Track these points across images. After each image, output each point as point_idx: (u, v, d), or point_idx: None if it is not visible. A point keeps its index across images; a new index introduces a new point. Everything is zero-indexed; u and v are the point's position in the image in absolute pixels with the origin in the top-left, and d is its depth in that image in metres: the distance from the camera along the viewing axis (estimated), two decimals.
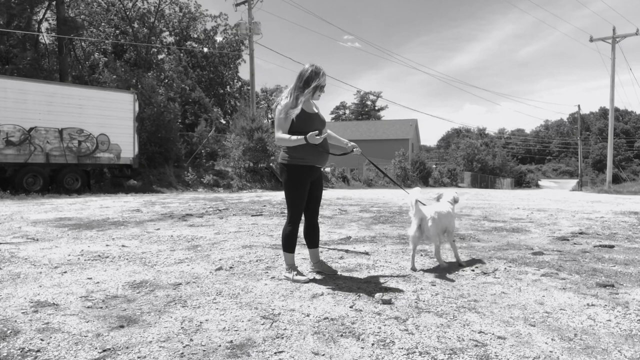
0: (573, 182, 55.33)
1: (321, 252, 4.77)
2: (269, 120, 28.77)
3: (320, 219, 7.66)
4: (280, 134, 3.41)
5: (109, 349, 2.21)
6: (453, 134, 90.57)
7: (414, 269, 3.92)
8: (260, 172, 22.53)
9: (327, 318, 2.69)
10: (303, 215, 3.65)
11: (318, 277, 3.68)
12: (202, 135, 24.18)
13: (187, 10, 35.22)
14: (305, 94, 3.42)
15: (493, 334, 2.46)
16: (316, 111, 3.58)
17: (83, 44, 31.53)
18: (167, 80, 29.95)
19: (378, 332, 2.47)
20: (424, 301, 3.03)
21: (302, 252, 4.73)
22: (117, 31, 33.25)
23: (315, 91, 3.46)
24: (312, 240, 3.77)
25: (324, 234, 6.03)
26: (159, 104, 20.52)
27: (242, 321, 2.62)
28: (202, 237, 5.65)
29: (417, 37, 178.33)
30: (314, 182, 3.60)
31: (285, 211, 4.01)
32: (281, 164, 3.53)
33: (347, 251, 4.83)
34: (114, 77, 22.45)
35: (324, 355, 2.18)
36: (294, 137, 3.36)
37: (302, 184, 3.49)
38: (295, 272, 3.58)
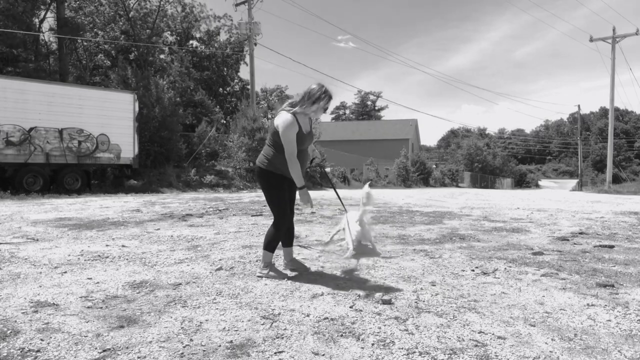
0: (573, 182, 55.27)
1: (321, 252, 4.78)
2: (268, 120, 28.78)
3: (320, 219, 7.71)
4: (295, 155, 3.40)
5: (109, 349, 2.21)
6: (453, 134, 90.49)
7: None
8: None
9: (327, 318, 2.69)
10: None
11: (318, 277, 3.68)
12: (203, 135, 24.15)
13: (189, 11, 35.18)
14: (309, 112, 3.50)
15: (493, 334, 2.46)
16: (309, 129, 3.61)
17: (85, 43, 31.51)
18: (170, 79, 29.94)
19: (378, 332, 2.47)
20: (424, 301, 3.04)
21: (301, 252, 4.74)
22: (122, 36, 33.23)
23: (319, 111, 3.53)
24: (290, 239, 3.89)
25: (324, 234, 6.03)
26: (166, 105, 20.53)
27: (242, 321, 2.62)
28: (202, 237, 5.65)
29: (416, 37, 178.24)
30: (289, 186, 3.63)
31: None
32: (262, 168, 3.55)
33: None
34: (115, 76, 22.40)
35: (324, 355, 2.18)
36: (298, 172, 3.40)
37: (281, 187, 3.59)
38: (269, 270, 3.67)
